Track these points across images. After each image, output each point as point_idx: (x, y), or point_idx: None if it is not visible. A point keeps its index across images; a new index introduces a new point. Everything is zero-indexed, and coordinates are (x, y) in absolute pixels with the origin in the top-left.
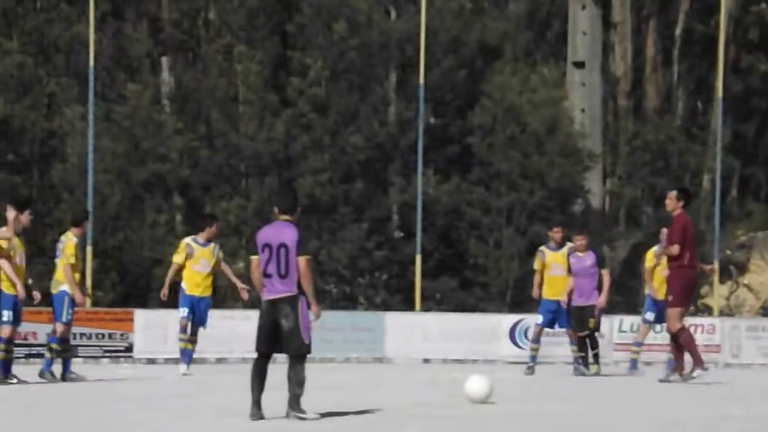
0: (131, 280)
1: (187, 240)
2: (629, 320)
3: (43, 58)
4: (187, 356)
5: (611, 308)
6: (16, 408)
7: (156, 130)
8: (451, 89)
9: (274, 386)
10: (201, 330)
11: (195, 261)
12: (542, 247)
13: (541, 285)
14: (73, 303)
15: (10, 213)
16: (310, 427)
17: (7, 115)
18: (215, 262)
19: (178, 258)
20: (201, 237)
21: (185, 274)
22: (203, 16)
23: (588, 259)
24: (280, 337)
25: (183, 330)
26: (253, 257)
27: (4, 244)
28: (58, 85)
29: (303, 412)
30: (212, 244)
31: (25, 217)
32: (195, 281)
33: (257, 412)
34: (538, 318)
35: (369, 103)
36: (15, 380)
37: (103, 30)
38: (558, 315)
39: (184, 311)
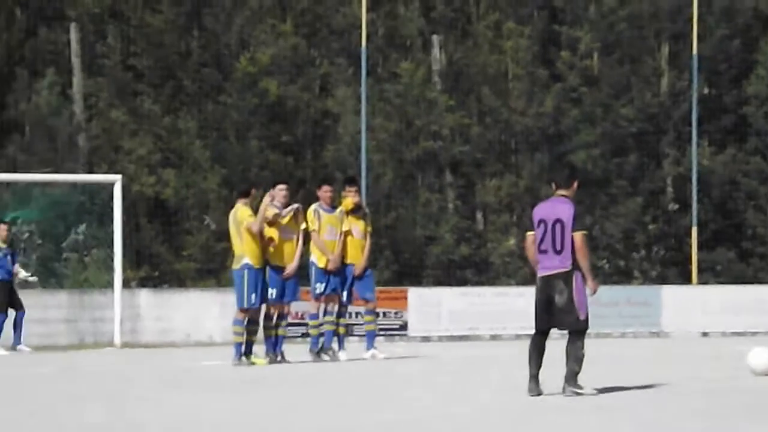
0: (404, 259)
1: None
2: None
3: (317, 40)
4: None
5: None
6: (290, 385)
7: (428, 108)
8: (726, 59)
9: (551, 362)
10: None
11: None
12: None
13: None
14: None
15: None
16: (589, 402)
17: (281, 97)
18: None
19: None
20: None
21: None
22: None
23: None
24: (555, 313)
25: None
26: (529, 233)
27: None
28: (332, 66)
29: (580, 387)
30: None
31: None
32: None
33: (535, 387)
34: None
35: (640, 75)
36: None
37: (376, 10)
38: None
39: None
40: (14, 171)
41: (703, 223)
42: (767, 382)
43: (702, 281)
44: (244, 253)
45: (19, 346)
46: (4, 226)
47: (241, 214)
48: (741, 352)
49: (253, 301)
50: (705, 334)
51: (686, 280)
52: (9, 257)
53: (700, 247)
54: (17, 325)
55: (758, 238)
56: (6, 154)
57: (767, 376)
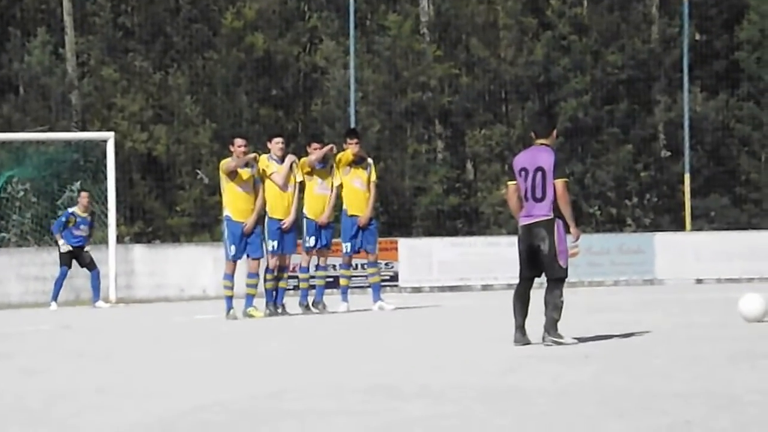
0: (394, 210)
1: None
2: None
3: None
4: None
5: None
6: (283, 339)
7: (416, 60)
8: (716, 4)
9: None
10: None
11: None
12: None
13: None
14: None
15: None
16: (576, 351)
17: (268, 51)
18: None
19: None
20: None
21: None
22: None
23: None
24: (539, 261)
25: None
26: (510, 183)
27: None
28: (320, 19)
29: (560, 336)
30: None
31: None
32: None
33: (522, 337)
34: None
35: (630, 22)
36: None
37: None
38: None
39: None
40: (9, 130)
41: (695, 169)
42: (757, 328)
43: (695, 228)
44: (225, 206)
45: (97, 303)
46: (85, 194)
47: (222, 165)
48: (733, 299)
49: (233, 253)
50: (699, 281)
51: (679, 227)
52: (85, 225)
53: (693, 194)
54: (93, 285)
55: (752, 183)
56: (0, 113)
57: (758, 323)
